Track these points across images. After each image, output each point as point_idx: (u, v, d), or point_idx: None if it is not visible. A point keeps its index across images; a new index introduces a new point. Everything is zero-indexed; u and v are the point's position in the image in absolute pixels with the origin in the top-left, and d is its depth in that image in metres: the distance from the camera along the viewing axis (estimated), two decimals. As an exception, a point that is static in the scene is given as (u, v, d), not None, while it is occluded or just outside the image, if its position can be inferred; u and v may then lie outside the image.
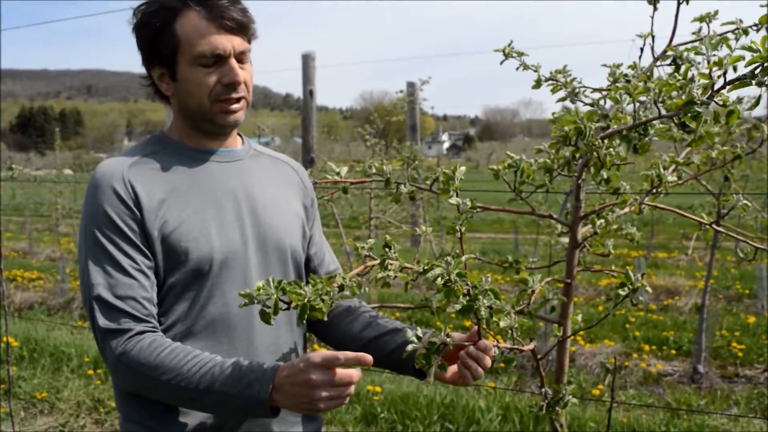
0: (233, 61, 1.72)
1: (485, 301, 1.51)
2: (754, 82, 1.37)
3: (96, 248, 1.67)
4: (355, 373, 1.52)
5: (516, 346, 1.76)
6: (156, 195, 1.70)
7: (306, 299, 1.45)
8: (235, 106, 1.76)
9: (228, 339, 1.74)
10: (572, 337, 1.92)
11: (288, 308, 1.47)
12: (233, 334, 1.74)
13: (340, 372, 1.50)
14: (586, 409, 5.18)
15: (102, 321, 1.63)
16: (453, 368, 1.74)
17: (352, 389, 1.53)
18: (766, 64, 1.34)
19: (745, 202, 1.90)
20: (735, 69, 1.46)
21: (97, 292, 1.63)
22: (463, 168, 1.63)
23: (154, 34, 1.72)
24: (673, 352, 6.81)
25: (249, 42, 1.76)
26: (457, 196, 1.62)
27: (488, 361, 1.69)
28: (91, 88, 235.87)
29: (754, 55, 1.35)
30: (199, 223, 1.72)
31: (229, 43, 1.70)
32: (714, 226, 2.04)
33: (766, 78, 1.36)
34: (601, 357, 6.58)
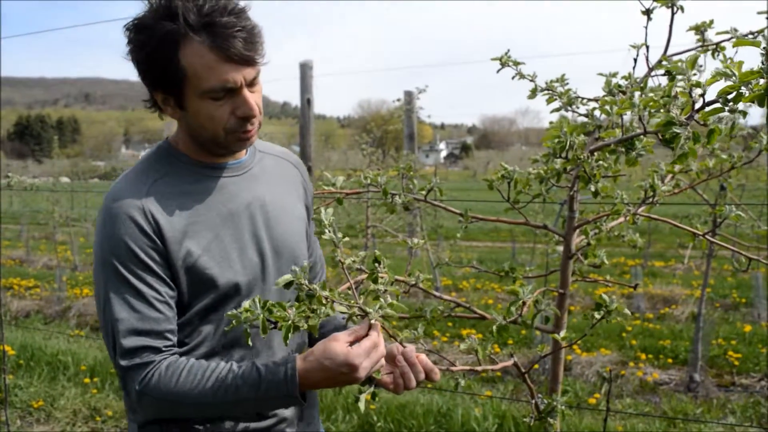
0: (246, 93, 1.63)
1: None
2: (727, 109, 1.37)
3: (118, 281, 1.62)
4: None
5: (478, 367, 1.77)
6: (177, 225, 1.66)
7: (290, 321, 1.46)
8: (250, 134, 1.70)
9: (250, 354, 1.76)
10: (566, 348, 1.92)
11: (275, 327, 1.48)
12: (254, 349, 1.77)
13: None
14: (582, 418, 5.18)
15: (124, 360, 1.61)
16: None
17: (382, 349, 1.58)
18: (741, 90, 1.33)
19: (739, 212, 1.91)
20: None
21: (122, 327, 1.60)
22: (330, 210, 1.63)
23: (157, 65, 1.61)
24: (670, 360, 6.81)
25: (259, 64, 1.65)
26: (334, 233, 1.62)
27: (421, 375, 1.69)
28: (89, 96, 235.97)
29: (732, 80, 1.34)
30: (221, 248, 1.71)
31: (239, 74, 1.60)
32: (707, 236, 2.05)
33: (739, 105, 1.36)
34: (597, 366, 6.57)
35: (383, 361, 1.59)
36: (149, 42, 1.59)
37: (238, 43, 1.56)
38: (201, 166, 1.77)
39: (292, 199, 1.94)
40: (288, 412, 1.83)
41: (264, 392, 1.57)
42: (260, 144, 1.95)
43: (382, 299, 1.55)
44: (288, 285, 1.50)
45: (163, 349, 1.63)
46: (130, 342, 1.60)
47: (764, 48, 1.33)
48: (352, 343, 1.55)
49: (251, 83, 1.65)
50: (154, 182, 1.70)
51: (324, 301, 1.49)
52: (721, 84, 1.36)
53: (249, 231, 1.77)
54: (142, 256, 1.62)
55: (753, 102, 1.32)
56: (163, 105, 1.70)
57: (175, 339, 1.67)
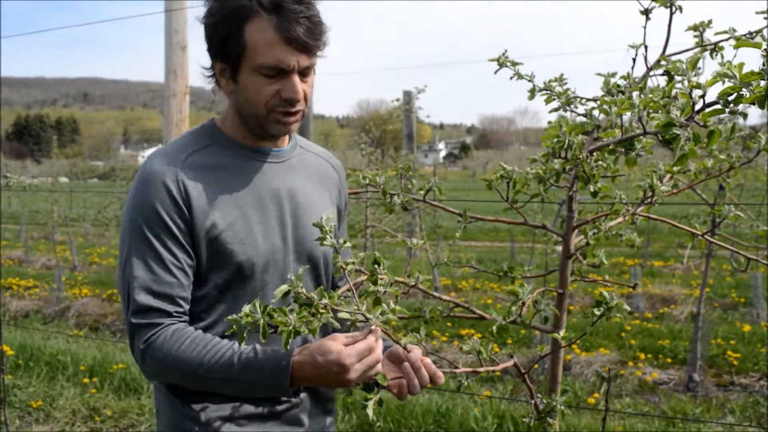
0: (295, 77, 1.71)
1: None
2: (727, 110, 1.36)
3: (141, 242, 1.70)
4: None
5: (480, 369, 1.77)
6: (207, 197, 1.73)
7: (291, 326, 1.46)
8: (291, 119, 1.76)
9: (270, 339, 1.76)
10: (565, 347, 1.92)
11: (275, 332, 1.48)
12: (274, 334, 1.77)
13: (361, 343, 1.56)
14: (581, 418, 5.18)
15: (135, 317, 1.68)
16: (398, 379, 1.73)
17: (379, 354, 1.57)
18: (741, 92, 1.33)
19: (738, 212, 1.91)
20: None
21: (137, 285, 1.68)
22: (333, 215, 1.63)
23: (222, 34, 1.70)
24: (669, 360, 6.81)
25: (316, 55, 1.74)
26: (335, 239, 1.60)
27: (426, 381, 1.69)
28: (88, 96, 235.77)
29: (733, 82, 1.34)
30: (246, 227, 1.76)
31: (294, 58, 1.68)
32: (706, 236, 2.04)
33: (740, 107, 1.35)
34: (596, 365, 6.57)
35: (379, 366, 1.58)
36: (220, 11, 1.70)
37: (300, 29, 1.66)
38: (241, 146, 1.84)
39: (325, 197, 1.98)
40: (303, 398, 1.86)
41: (256, 376, 1.62)
42: (303, 141, 2.03)
43: (384, 305, 1.54)
44: (286, 294, 1.50)
45: (174, 313, 1.70)
46: (142, 301, 1.67)
47: (765, 49, 1.33)
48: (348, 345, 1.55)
49: (304, 72, 1.72)
50: (192, 153, 1.78)
51: (323, 310, 1.49)
52: (721, 85, 1.36)
53: (276, 216, 1.83)
54: (168, 221, 1.69)
55: (753, 104, 1.32)
56: (219, 75, 1.79)
57: (186, 307, 1.73)
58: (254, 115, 1.75)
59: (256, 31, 1.66)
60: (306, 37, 1.66)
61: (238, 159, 1.81)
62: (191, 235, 1.72)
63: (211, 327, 1.76)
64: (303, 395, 1.86)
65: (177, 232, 1.70)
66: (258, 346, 1.65)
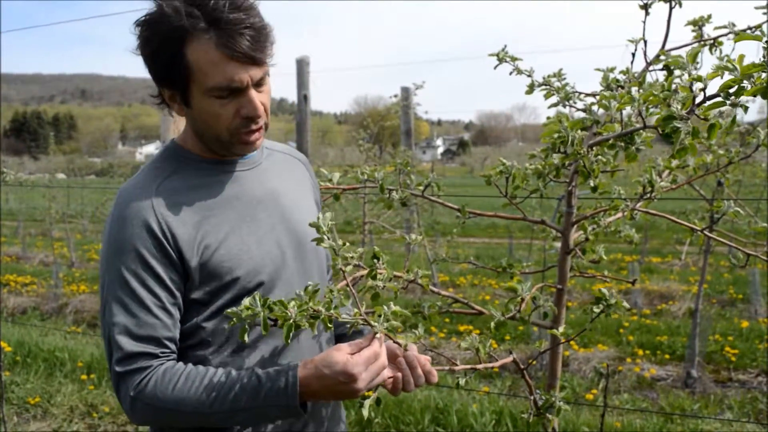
0: (251, 92, 1.59)
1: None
2: (728, 102, 1.36)
3: (121, 285, 1.58)
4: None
5: (479, 366, 1.76)
6: (190, 221, 1.63)
7: (291, 320, 1.44)
8: (255, 135, 1.66)
9: (276, 345, 1.72)
10: (564, 343, 1.92)
11: (275, 325, 1.47)
12: (281, 340, 1.71)
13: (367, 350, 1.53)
14: (579, 414, 5.18)
15: (119, 365, 1.57)
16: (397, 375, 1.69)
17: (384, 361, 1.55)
18: (743, 84, 1.33)
19: (737, 208, 1.91)
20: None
21: (118, 331, 1.57)
22: (329, 214, 1.56)
23: (162, 61, 1.58)
24: (667, 356, 6.82)
25: (266, 64, 1.61)
26: (334, 240, 1.59)
27: (421, 380, 1.66)
28: (86, 92, 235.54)
29: (733, 74, 1.34)
30: (239, 242, 1.67)
31: (246, 73, 1.56)
32: (705, 232, 2.04)
33: (740, 98, 1.35)
34: (594, 361, 6.58)
35: (385, 373, 1.56)
36: (154, 37, 1.56)
37: (244, 41, 1.52)
38: (210, 162, 1.73)
39: (303, 193, 1.91)
40: (308, 416, 1.77)
41: (263, 401, 1.53)
42: (267, 142, 1.92)
43: (385, 307, 1.53)
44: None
45: (160, 355, 1.59)
46: (126, 347, 1.56)
47: (766, 41, 1.33)
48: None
49: (258, 83, 1.60)
50: (163, 180, 1.67)
51: (329, 324, 1.48)
52: (721, 79, 1.36)
53: (266, 223, 1.74)
54: (150, 260, 1.58)
55: (755, 96, 1.31)
56: (170, 101, 1.67)
57: (174, 347, 1.63)
58: (216, 139, 1.65)
59: (198, 52, 1.53)
60: (252, 50, 1.54)
61: (211, 174, 1.71)
62: (181, 267, 1.61)
63: (221, 348, 1.67)
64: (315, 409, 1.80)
65: (159, 269, 1.59)
66: (258, 370, 1.57)
